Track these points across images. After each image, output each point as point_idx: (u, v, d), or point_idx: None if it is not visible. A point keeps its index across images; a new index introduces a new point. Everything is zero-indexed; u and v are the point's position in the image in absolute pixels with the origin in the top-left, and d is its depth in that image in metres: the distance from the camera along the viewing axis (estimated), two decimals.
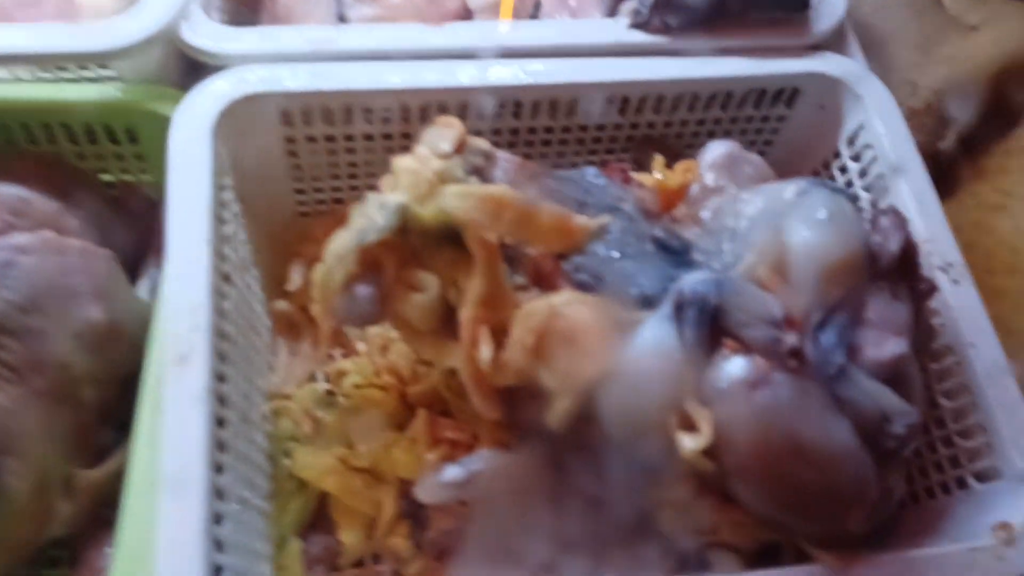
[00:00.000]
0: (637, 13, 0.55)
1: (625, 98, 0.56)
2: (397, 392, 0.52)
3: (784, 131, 0.60)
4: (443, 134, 0.46)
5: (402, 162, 0.45)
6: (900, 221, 0.43)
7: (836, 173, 0.58)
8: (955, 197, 0.59)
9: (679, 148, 0.61)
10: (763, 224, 0.44)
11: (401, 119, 0.54)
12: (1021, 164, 0.57)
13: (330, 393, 0.53)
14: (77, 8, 0.54)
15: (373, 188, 0.45)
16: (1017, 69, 0.58)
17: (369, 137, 0.54)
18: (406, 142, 0.51)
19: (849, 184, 0.57)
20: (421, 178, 0.44)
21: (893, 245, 0.43)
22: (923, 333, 0.47)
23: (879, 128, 0.55)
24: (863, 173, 0.56)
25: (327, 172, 0.56)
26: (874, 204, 0.55)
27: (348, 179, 0.57)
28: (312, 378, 0.54)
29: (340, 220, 0.44)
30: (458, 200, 0.41)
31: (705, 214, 0.47)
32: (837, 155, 0.58)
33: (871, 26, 0.62)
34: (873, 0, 0.63)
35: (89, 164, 0.56)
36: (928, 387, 0.49)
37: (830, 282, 0.41)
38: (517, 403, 0.42)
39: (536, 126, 0.57)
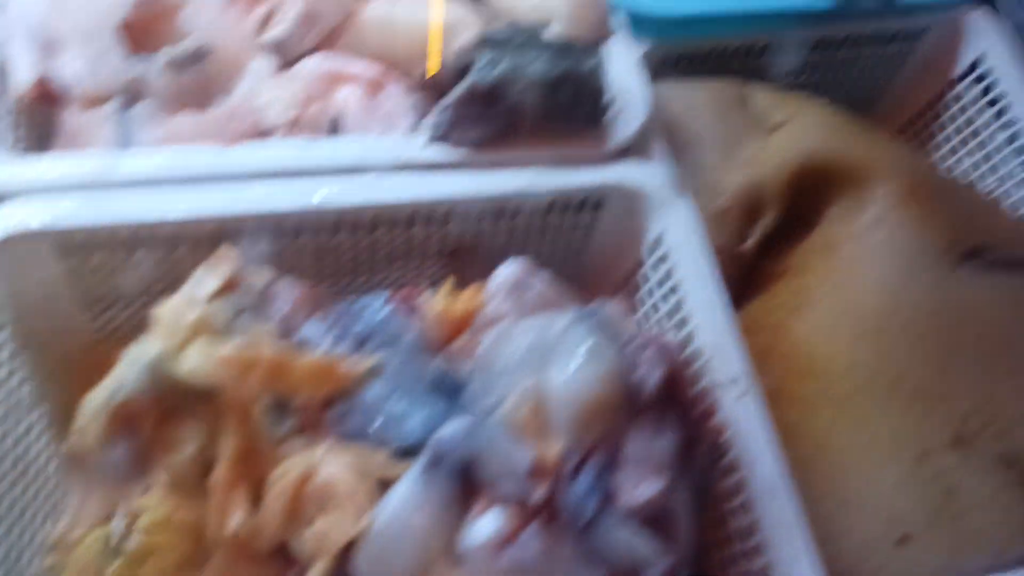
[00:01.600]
0: (436, 128, 0.55)
1: (428, 214, 0.56)
2: (193, 533, 0.50)
3: (595, 236, 0.61)
4: (210, 274, 0.46)
5: (161, 309, 0.44)
6: (662, 354, 0.44)
7: (640, 281, 0.60)
8: (759, 298, 0.60)
9: (493, 256, 0.61)
10: (530, 361, 0.44)
11: (191, 243, 0.53)
12: (819, 264, 0.59)
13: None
14: None
15: None
16: (814, 169, 0.60)
17: (160, 260, 0.53)
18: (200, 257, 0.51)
19: (651, 293, 0.58)
20: (178, 327, 0.43)
21: (653, 380, 0.43)
22: (706, 455, 0.48)
23: (676, 238, 0.56)
24: (662, 282, 0.57)
25: (118, 298, 0.54)
26: (670, 315, 0.56)
27: (142, 302, 0.55)
28: (109, 518, 0.52)
29: None
30: (199, 362, 0.40)
31: (483, 347, 0.47)
32: (641, 262, 0.59)
33: (680, 127, 0.63)
34: (682, 100, 0.64)
35: None
36: (717, 507, 0.50)
37: (587, 424, 0.41)
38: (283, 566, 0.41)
39: (340, 243, 0.56)
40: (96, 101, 0.55)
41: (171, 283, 0.52)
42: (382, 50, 0.61)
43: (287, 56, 0.64)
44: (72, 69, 0.54)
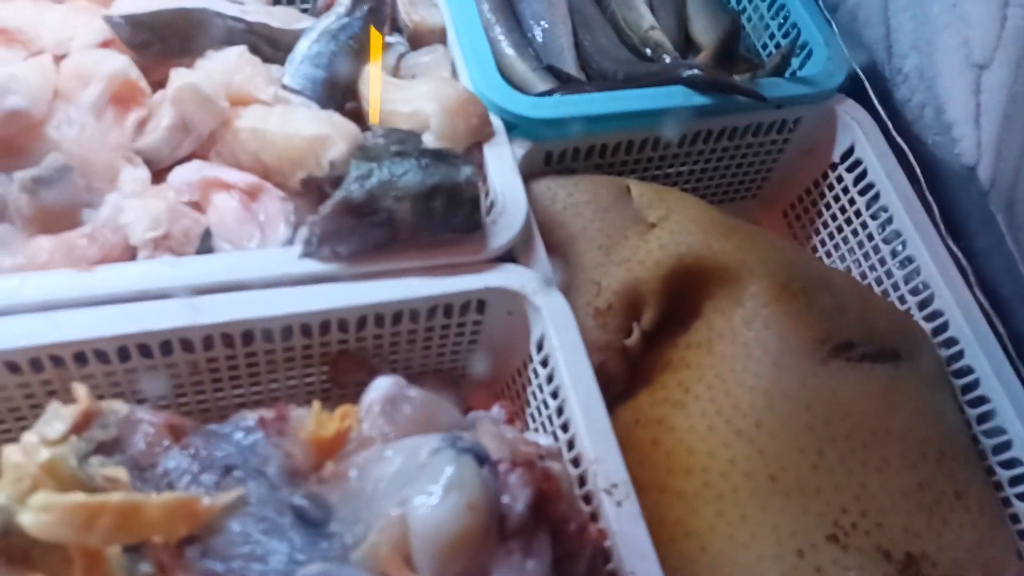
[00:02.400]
0: (307, 243, 0.55)
1: (306, 325, 0.56)
2: None
3: (484, 334, 0.61)
4: (59, 413, 0.44)
5: (8, 453, 0.42)
6: (529, 477, 0.44)
7: (530, 376, 0.60)
8: (645, 391, 0.61)
9: (378, 361, 0.61)
10: (395, 489, 0.43)
11: (54, 368, 0.51)
12: (698, 360, 0.59)
13: None
14: None
15: None
16: (690, 267, 0.61)
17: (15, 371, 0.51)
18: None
19: (536, 393, 0.58)
20: (24, 473, 0.41)
21: (520, 505, 0.43)
22: (585, 567, 0.48)
23: (557, 340, 0.56)
24: (546, 382, 0.57)
25: None
26: (555, 416, 0.56)
27: None
28: None
29: None
30: (42, 515, 0.38)
31: (352, 472, 0.46)
32: (529, 360, 0.59)
33: (562, 224, 0.64)
34: (564, 196, 0.65)
35: None
36: None
37: (451, 558, 0.41)
38: None
39: (215, 357, 0.55)
40: None
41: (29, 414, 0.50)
42: (256, 159, 0.61)
43: (160, 165, 0.64)
44: None
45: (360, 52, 0.65)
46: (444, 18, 0.71)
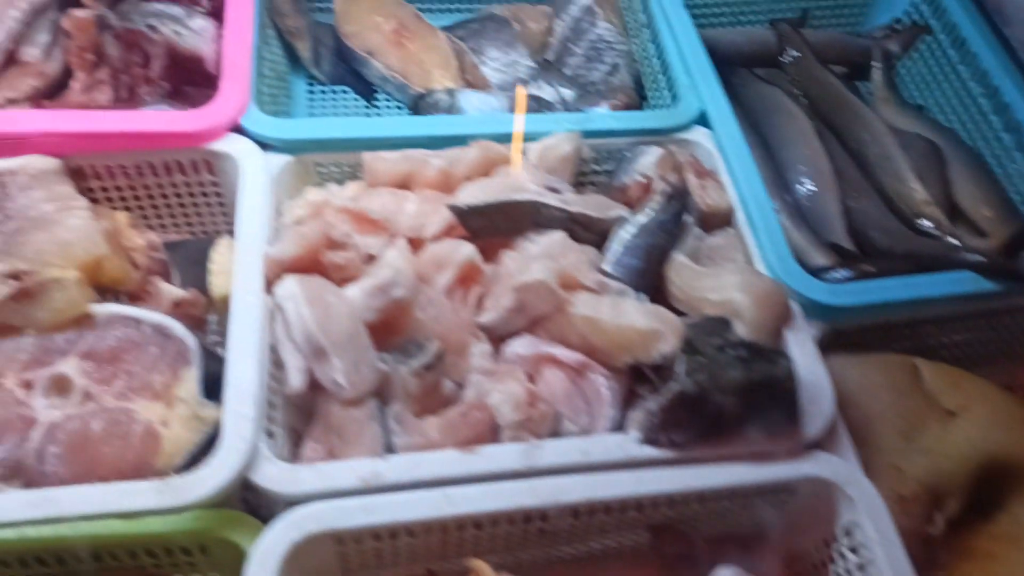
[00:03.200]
0: (648, 431, 0.63)
1: (639, 503, 0.63)
2: None
3: (788, 512, 0.66)
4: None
5: None
6: None
7: (834, 556, 0.64)
8: None
9: (693, 533, 0.67)
10: None
11: (440, 533, 0.61)
12: (1007, 551, 0.62)
13: None
14: (158, 439, 0.62)
15: None
16: (996, 464, 0.64)
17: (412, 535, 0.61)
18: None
19: (848, 573, 0.63)
20: None
21: None
22: None
23: (870, 532, 0.61)
24: (861, 567, 0.62)
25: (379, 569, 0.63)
26: None
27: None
28: None
29: None
30: None
31: None
32: (832, 540, 0.64)
33: (857, 405, 0.69)
34: (857, 377, 0.70)
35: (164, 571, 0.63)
36: None
37: None
38: None
39: (557, 525, 0.63)
40: (356, 401, 0.65)
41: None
42: (585, 340, 0.69)
43: (496, 335, 0.74)
44: (336, 374, 0.64)
45: (670, 243, 0.73)
46: (733, 200, 0.78)
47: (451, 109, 0.88)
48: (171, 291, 0.74)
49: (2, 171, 0.70)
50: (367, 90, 1.00)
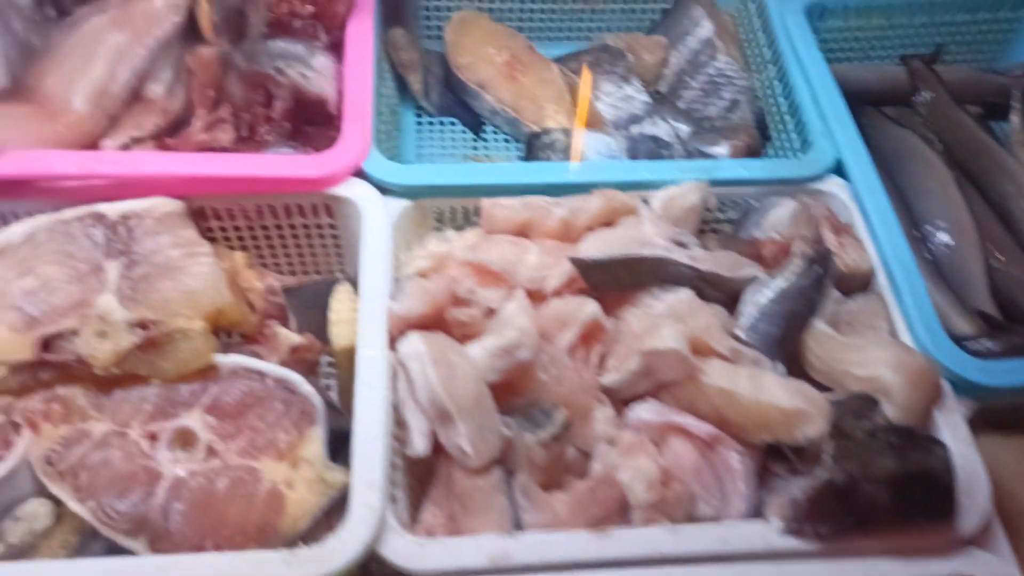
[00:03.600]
0: (791, 521, 0.59)
1: None
2: None
3: None
4: None
5: None
6: None
7: None
8: None
9: None
10: None
11: None
12: None
13: None
14: (282, 502, 0.61)
15: None
16: None
17: None
18: None
19: None
20: None
21: None
22: None
23: None
24: None
25: None
26: None
27: None
28: None
29: None
30: None
31: None
32: None
33: (1012, 495, 0.64)
34: (1012, 465, 0.65)
35: None
36: None
37: None
38: None
39: None
40: (481, 470, 0.62)
41: None
42: (717, 412, 0.66)
43: (619, 397, 0.71)
44: (461, 440, 0.62)
45: (810, 310, 0.69)
46: (874, 262, 0.74)
47: (567, 150, 0.85)
48: (289, 337, 0.73)
49: (128, 213, 0.70)
50: (475, 123, 0.98)
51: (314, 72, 0.74)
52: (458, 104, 0.98)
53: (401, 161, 0.94)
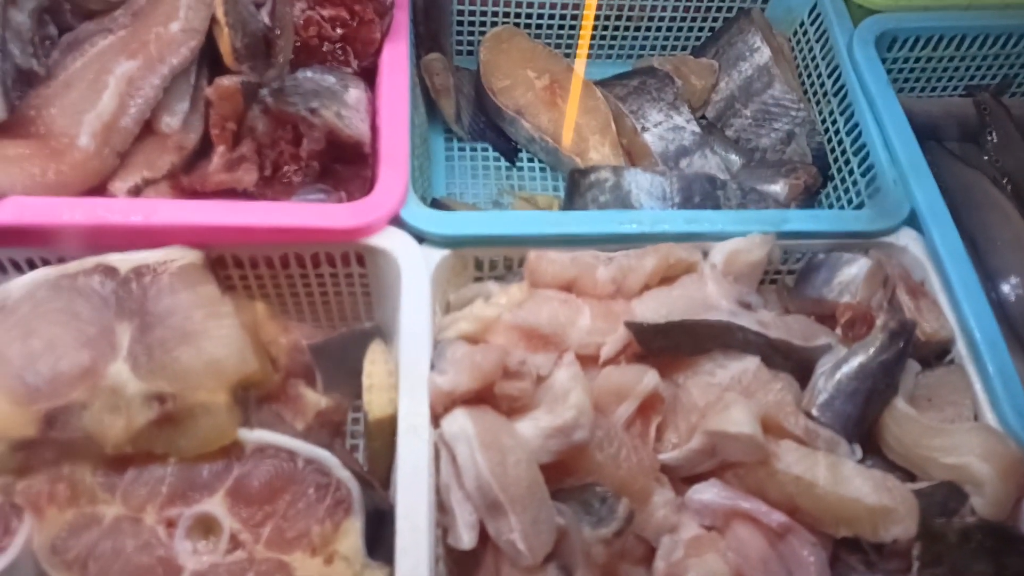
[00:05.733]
0: None
1: None
2: None
3: None
4: None
5: None
6: None
7: None
8: None
9: None
10: None
11: None
12: None
13: None
14: None
15: None
16: None
17: None
18: None
19: None
20: None
21: None
22: None
23: None
24: None
25: None
26: None
27: None
28: None
29: None
30: None
31: None
32: None
33: None
34: None
35: None
36: None
37: None
38: None
39: None
40: (534, 569, 0.57)
41: None
42: (790, 500, 0.60)
43: (677, 475, 0.65)
44: (514, 536, 0.56)
45: (891, 388, 0.63)
46: (954, 330, 0.68)
47: (616, 189, 0.78)
48: (315, 400, 0.67)
49: (142, 267, 0.62)
50: (510, 149, 0.91)
51: (349, 110, 0.66)
52: (491, 128, 0.91)
53: (432, 191, 0.87)
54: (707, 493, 0.63)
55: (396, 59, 0.74)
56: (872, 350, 0.63)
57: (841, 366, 0.63)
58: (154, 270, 0.63)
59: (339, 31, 0.73)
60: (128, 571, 0.56)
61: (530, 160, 0.92)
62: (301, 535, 0.57)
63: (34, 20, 0.68)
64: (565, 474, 0.62)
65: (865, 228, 0.72)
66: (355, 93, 0.70)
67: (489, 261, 0.72)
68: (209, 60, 0.72)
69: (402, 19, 0.77)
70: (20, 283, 0.62)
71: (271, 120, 0.67)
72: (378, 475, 0.65)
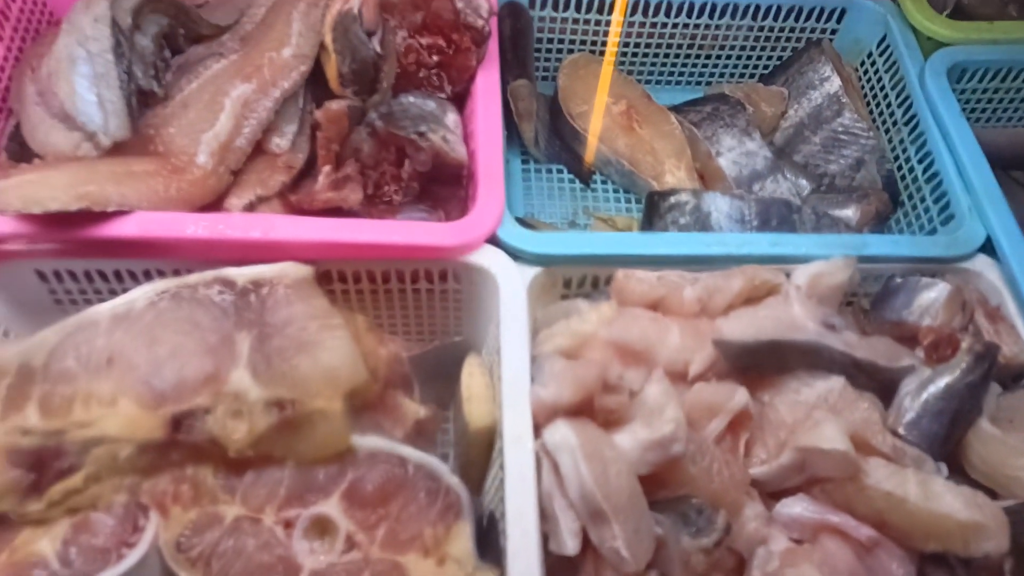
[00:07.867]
0: None
1: None
2: None
3: None
4: None
5: None
6: None
7: None
8: None
9: None
10: None
11: None
12: None
13: None
14: None
15: None
16: None
17: None
18: None
19: None
20: None
21: None
22: None
23: None
24: None
25: None
26: None
27: None
28: None
29: None
30: None
31: None
32: None
33: None
34: None
35: None
36: None
37: None
38: None
39: None
40: (638, 574, 0.59)
41: None
42: (879, 515, 0.62)
43: (765, 489, 0.67)
44: (617, 543, 0.59)
45: (976, 408, 0.65)
46: None
47: (696, 212, 0.81)
48: (414, 409, 0.70)
49: (259, 279, 0.66)
50: (584, 172, 0.94)
51: (452, 134, 0.70)
52: (566, 151, 0.94)
53: (510, 211, 0.90)
54: (796, 507, 0.65)
55: (489, 85, 0.77)
56: (959, 371, 0.65)
57: (927, 386, 0.65)
58: (270, 283, 0.66)
59: (435, 58, 0.76)
60: (250, 569, 0.59)
61: (603, 182, 0.95)
62: (414, 537, 0.60)
63: (156, 44, 0.72)
64: (659, 486, 0.64)
65: (942, 254, 0.74)
66: (453, 117, 0.73)
67: (577, 279, 0.75)
68: (311, 83, 0.76)
69: (493, 47, 0.80)
70: (142, 292, 0.65)
71: (377, 142, 0.71)
72: (471, 483, 0.68)
